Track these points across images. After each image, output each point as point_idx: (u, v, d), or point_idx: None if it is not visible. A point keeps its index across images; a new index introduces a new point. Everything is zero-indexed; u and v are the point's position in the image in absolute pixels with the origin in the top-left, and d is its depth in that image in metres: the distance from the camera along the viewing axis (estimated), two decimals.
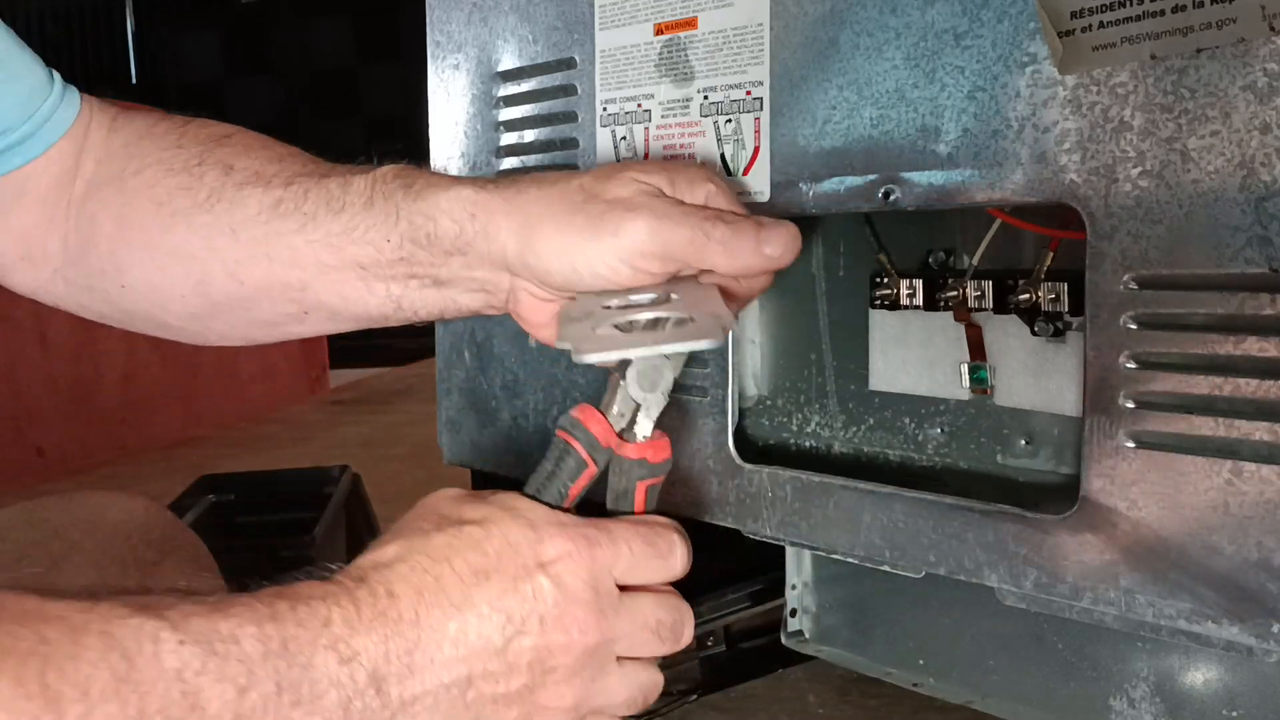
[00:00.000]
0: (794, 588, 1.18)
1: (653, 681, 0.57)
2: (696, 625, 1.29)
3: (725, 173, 0.88)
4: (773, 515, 0.88)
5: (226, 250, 0.70)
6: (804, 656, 1.27)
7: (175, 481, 2.22)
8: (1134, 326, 0.66)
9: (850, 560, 0.83)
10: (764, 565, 1.30)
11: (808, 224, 1.02)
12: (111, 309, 0.76)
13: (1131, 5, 0.64)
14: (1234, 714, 0.85)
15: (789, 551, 1.17)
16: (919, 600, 1.06)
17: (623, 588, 0.55)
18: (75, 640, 0.42)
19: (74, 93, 0.74)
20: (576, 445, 0.58)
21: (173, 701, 0.44)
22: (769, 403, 1.08)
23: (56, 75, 0.73)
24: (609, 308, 0.61)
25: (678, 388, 0.95)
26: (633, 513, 0.59)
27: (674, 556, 0.57)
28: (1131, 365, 0.66)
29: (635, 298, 0.62)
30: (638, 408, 0.59)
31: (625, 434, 0.59)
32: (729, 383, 0.91)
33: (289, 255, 0.69)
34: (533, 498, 0.57)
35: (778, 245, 0.63)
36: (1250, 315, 0.62)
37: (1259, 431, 0.62)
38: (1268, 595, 0.62)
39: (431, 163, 1.16)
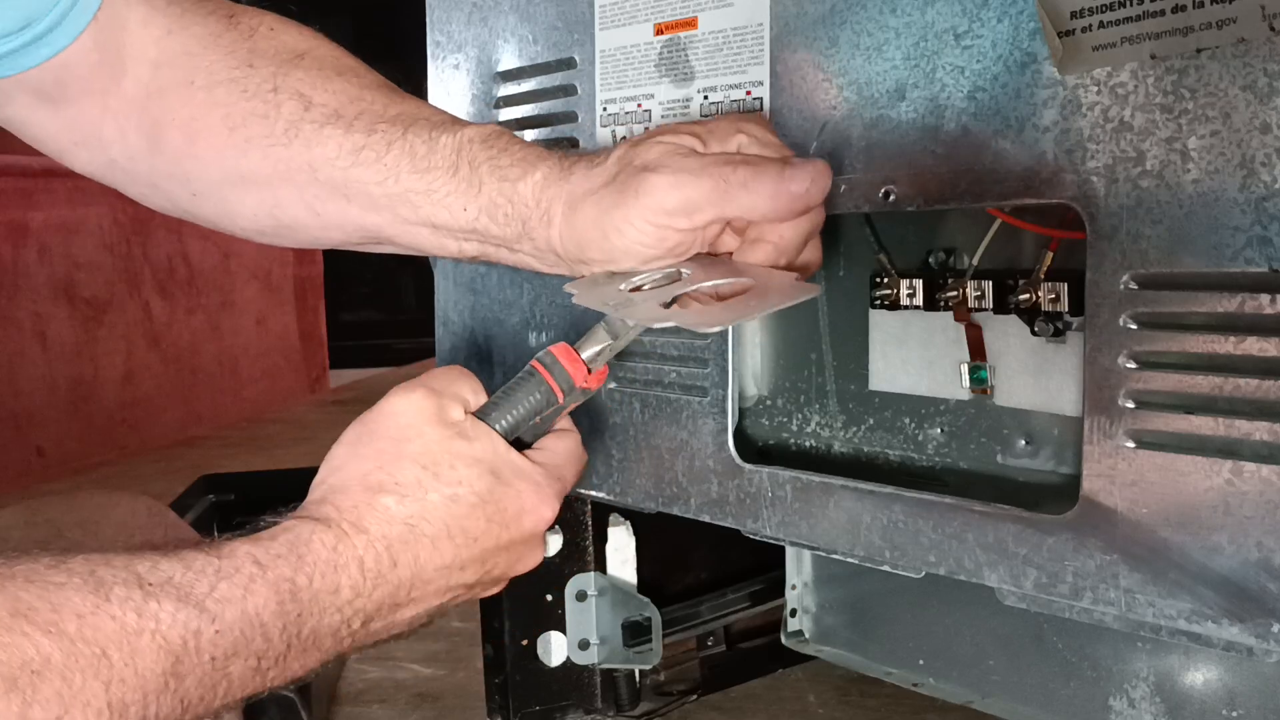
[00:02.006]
0: (794, 588, 1.18)
1: None
2: (697, 625, 1.29)
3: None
4: (773, 515, 0.88)
5: (305, 185, 0.71)
6: (804, 656, 1.27)
7: (175, 481, 2.22)
8: (1134, 326, 0.66)
9: (850, 560, 0.83)
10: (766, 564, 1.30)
11: None
12: (176, 208, 0.77)
13: (1131, 5, 0.64)
14: (1234, 714, 0.85)
15: (789, 551, 1.18)
16: (919, 600, 1.06)
17: None
18: (133, 649, 0.48)
19: None
20: (553, 384, 0.65)
21: (207, 678, 0.51)
22: (769, 403, 1.08)
23: None
24: (623, 290, 0.66)
25: (678, 388, 0.96)
26: (553, 425, 0.68)
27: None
28: (1131, 365, 0.66)
29: (640, 279, 0.66)
30: (606, 350, 0.66)
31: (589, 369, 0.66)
32: (729, 383, 0.91)
33: (367, 202, 0.70)
34: (495, 427, 0.64)
35: (803, 180, 0.63)
36: (1250, 315, 0.62)
37: (1259, 431, 0.62)
38: (1268, 595, 0.62)
39: None
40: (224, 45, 0.73)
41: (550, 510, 0.64)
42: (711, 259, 0.67)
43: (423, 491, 0.60)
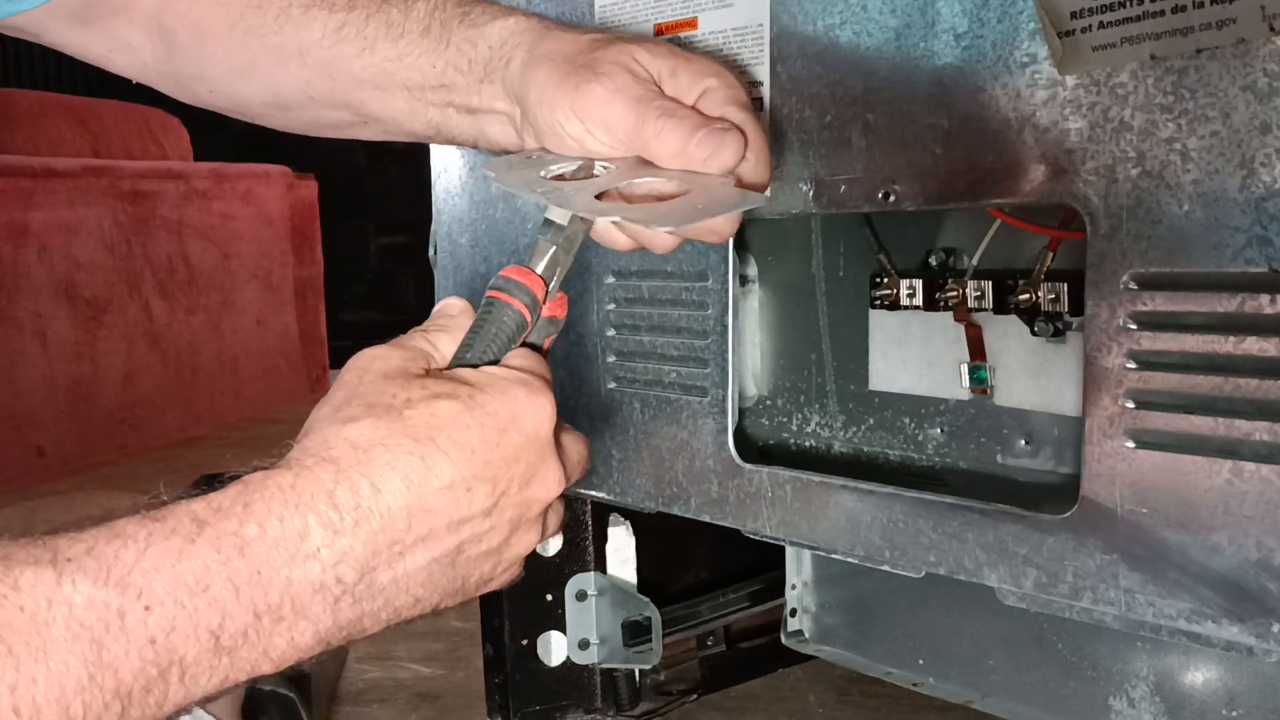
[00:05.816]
0: (794, 588, 1.18)
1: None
2: (697, 625, 1.29)
3: None
4: (773, 515, 0.88)
5: (296, 70, 0.77)
6: (804, 656, 1.27)
7: (175, 481, 2.22)
8: (1134, 326, 0.66)
9: (850, 560, 0.83)
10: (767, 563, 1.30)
11: (807, 223, 1.02)
12: (202, 102, 0.85)
13: (1131, 5, 0.64)
14: (1234, 714, 0.85)
15: (789, 551, 1.18)
16: (919, 600, 1.06)
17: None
18: (44, 641, 0.42)
19: None
20: (520, 305, 0.61)
21: (148, 664, 0.44)
22: (769, 403, 1.08)
23: None
24: (545, 177, 0.65)
25: (678, 388, 0.96)
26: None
27: None
28: (1131, 365, 0.66)
29: (559, 166, 0.66)
30: (558, 256, 0.62)
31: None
32: (729, 383, 0.91)
33: (349, 79, 0.75)
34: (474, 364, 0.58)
35: (705, 148, 0.62)
36: (1250, 315, 0.62)
37: (1259, 431, 0.62)
38: (1268, 595, 0.62)
39: (431, 163, 1.16)
40: None
41: (549, 402, 0.55)
42: (641, 161, 0.65)
43: (397, 413, 0.52)
